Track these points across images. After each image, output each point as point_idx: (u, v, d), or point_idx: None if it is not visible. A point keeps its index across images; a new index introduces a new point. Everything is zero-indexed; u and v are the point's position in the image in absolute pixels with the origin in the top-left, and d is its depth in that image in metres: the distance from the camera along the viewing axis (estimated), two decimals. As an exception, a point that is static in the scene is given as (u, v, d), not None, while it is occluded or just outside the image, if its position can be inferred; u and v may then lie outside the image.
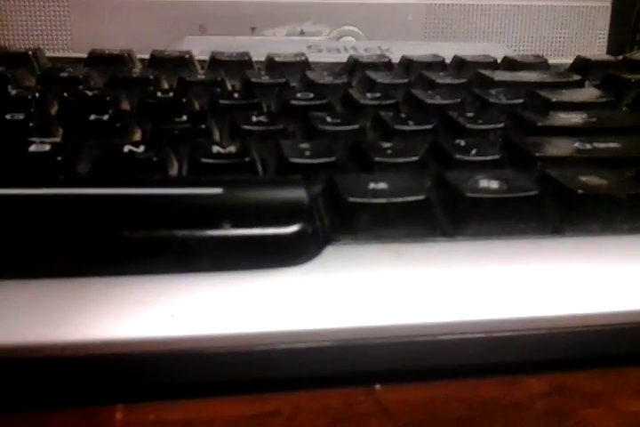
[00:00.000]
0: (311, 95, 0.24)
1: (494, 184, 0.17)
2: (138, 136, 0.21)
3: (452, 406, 0.14)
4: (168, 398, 0.13)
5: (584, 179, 0.18)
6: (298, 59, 0.30)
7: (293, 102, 0.24)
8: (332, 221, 0.16)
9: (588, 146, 0.21)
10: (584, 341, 0.15)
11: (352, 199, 0.16)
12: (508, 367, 0.15)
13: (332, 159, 0.19)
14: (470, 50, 0.34)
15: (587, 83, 0.30)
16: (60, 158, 0.17)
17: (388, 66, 0.30)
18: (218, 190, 0.15)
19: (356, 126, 0.22)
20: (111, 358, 0.13)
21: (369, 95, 0.25)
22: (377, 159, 0.19)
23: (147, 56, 0.29)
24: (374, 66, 0.30)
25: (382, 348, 0.14)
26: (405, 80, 0.28)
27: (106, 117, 0.20)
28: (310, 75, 0.27)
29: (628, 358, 0.15)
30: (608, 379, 0.15)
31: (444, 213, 0.17)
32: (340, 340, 0.14)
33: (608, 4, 0.47)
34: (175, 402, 0.13)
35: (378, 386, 0.14)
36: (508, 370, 0.15)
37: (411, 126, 0.22)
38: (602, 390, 0.15)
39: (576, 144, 0.21)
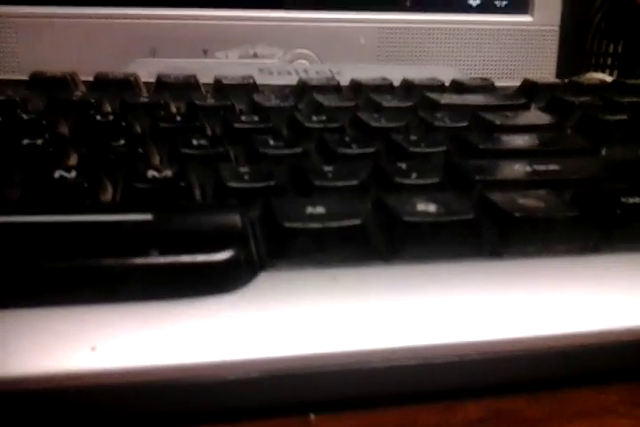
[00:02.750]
0: (256, 118, 0.24)
1: (432, 208, 0.17)
2: (74, 161, 0.20)
3: (388, 436, 0.14)
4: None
5: (521, 201, 0.18)
6: (245, 81, 0.30)
7: (237, 125, 0.23)
8: (268, 246, 0.16)
9: (528, 168, 0.21)
10: (520, 365, 0.15)
11: (288, 224, 0.16)
12: (444, 393, 0.15)
13: (272, 183, 0.18)
14: (421, 73, 0.34)
15: (532, 105, 0.30)
16: (-13, 184, 0.17)
17: (336, 89, 0.31)
18: (147, 217, 0.15)
19: (299, 150, 0.22)
20: (28, 393, 0.12)
21: (315, 118, 0.25)
22: (317, 183, 0.19)
23: (91, 78, 0.29)
24: (323, 89, 0.30)
25: (316, 377, 0.14)
26: (352, 103, 0.28)
27: (40, 142, 0.20)
28: (257, 97, 0.27)
29: (563, 380, 0.15)
30: (543, 403, 0.15)
31: (382, 237, 0.17)
32: (271, 370, 0.14)
33: (556, 28, 0.48)
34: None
35: (312, 416, 0.14)
36: (444, 396, 0.15)
37: (354, 150, 0.22)
38: (537, 415, 0.15)
39: (516, 167, 0.21)
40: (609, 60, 0.62)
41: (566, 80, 0.35)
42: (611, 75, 0.58)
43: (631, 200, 0.19)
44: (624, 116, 0.26)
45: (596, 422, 0.15)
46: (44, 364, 0.12)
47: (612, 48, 0.61)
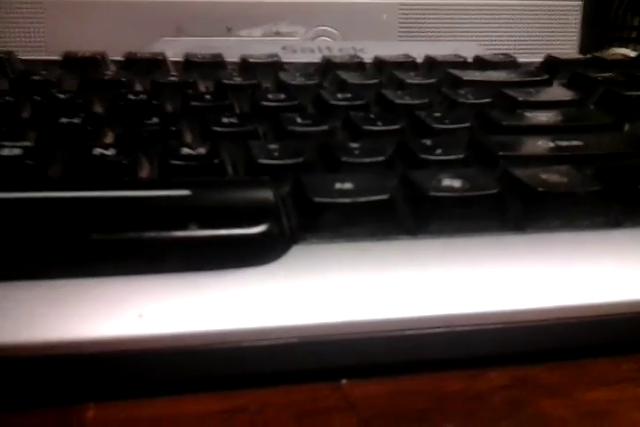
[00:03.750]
0: (282, 96, 0.25)
1: (457, 183, 0.17)
2: (110, 139, 0.21)
3: (415, 400, 0.15)
4: (138, 396, 0.14)
5: (544, 177, 0.18)
6: (271, 60, 0.30)
7: (264, 103, 0.24)
8: (299, 221, 0.17)
9: (551, 144, 0.21)
10: (543, 334, 0.16)
11: (318, 199, 0.16)
12: (469, 361, 0.15)
13: (300, 160, 0.19)
14: (443, 49, 0.34)
15: (555, 82, 0.30)
16: (30, 162, 0.18)
17: (360, 66, 0.31)
18: (185, 192, 0.16)
19: (325, 127, 0.22)
20: (81, 357, 0.13)
21: (339, 96, 0.25)
22: (344, 159, 0.19)
23: (121, 58, 0.29)
24: (346, 66, 0.30)
25: (348, 344, 0.15)
26: (376, 80, 0.28)
27: (78, 121, 0.20)
28: (282, 76, 0.28)
29: (584, 350, 0.16)
30: (565, 371, 0.15)
31: (408, 212, 0.17)
32: (306, 336, 0.14)
33: (579, 3, 0.48)
34: (145, 400, 0.14)
35: (344, 381, 0.15)
36: (469, 364, 0.15)
37: (379, 127, 0.22)
38: (559, 382, 0.15)
39: (539, 143, 0.21)
40: (633, 34, 0.61)
41: (589, 56, 0.35)
42: (635, 49, 0.57)
43: (653, 175, 0.19)
44: (647, 92, 0.27)
45: (616, 390, 0.15)
46: (95, 329, 0.13)
47: (637, 21, 0.60)
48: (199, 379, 0.14)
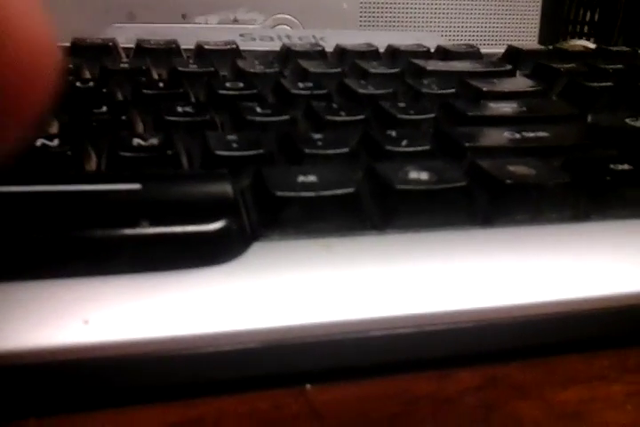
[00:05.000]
0: (241, 85, 0.24)
1: (424, 175, 0.17)
2: (55, 129, 0.20)
3: (384, 404, 0.14)
4: (84, 409, 0.13)
5: (512, 169, 0.18)
6: (228, 47, 0.29)
7: (222, 92, 0.23)
8: (260, 216, 0.16)
9: (518, 135, 0.21)
10: (513, 332, 0.15)
11: (279, 193, 0.16)
12: (439, 361, 0.15)
13: (261, 151, 0.18)
14: (405, 39, 0.34)
15: (518, 72, 0.30)
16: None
17: (321, 55, 0.30)
18: (136, 186, 0.15)
19: (286, 117, 0.21)
20: (20, 368, 0.12)
21: (301, 85, 0.24)
22: (307, 151, 0.18)
23: (69, 44, 0.28)
24: (307, 55, 0.29)
25: (311, 347, 0.14)
26: (338, 70, 0.27)
27: (18, 109, 0.19)
28: (241, 63, 0.27)
29: (554, 347, 0.15)
30: (537, 369, 0.15)
31: (374, 206, 0.16)
32: (267, 341, 0.13)
33: (539, -5, 0.48)
34: (92, 413, 0.13)
35: (308, 386, 0.14)
36: (439, 364, 0.15)
37: (342, 117, 0.22)
38: (531, 382, 0.15)
39: (505, 134, 0.21)
40: (585, 28, 0.62)
41: (550, 47, 0.34)
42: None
43: (620, 167, 0.19)
44: (609, 83, 0.26)
45: (588, 387, 0.15)
46: (37, 338, 0.12)
47: (588, 16, 0.61)
48: (152, 388, 0.13)
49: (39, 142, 0.17)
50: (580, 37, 0.60)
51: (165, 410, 0.13)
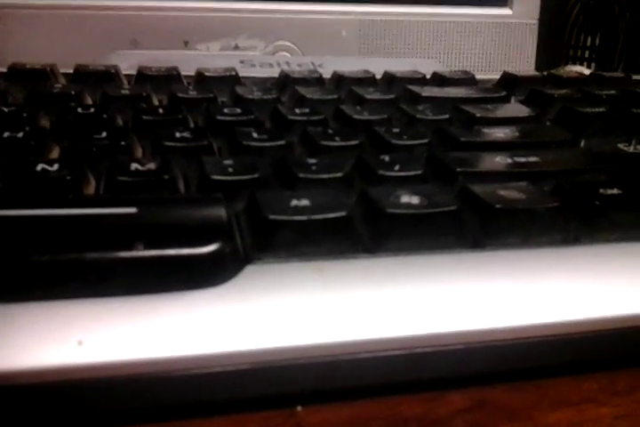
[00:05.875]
0: (239, 111, 0.24)
1: (415, 200, 0.17)
2: (55, 154, 0.20)
3: (374, 426, 0.14)
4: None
5: (502, 193, 0.18)
6: (228, 73, 0.30)
7: (219, 118, 0.23)
8: (254, 239, 0.16)
9: (509, 160, 0.21)
10: (503, 354, 0.15)
11: (273, 217, 0.16)
12: (429, 384, 0.15)
13: (256, 176, 0.18)
14: (402, 65, 0.34)
15: (512, 98, 0.31)
16: (-33, 178, 0.17)
17: (319, 81, 0.31)
18: (131, 210, 0.15)
19: (282, 142, 0.22)
20: (14, 389, 0.12)
21: (297, 111, 0.25)
22: (301, 175, 0.19)
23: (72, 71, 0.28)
24: (305, 81, 0.30)
25: (302, 369, 0.14)
26: (335, 96, 0.28)
27: (20, 135, 0.19)
28: (239, 90, 0.27)
29: (544, 369, 0.15)
30: (526, 392, 0.15)
31: (366, 230, 0.17)
32: (259, 362, 0.14)
33: (535, 22, 0.49)
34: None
35: (299, 408, 0.14)
36: (429, 386, 0.15)
37: (337, 142, 0.22)
38: (520, 404, 0.15)
39: (497, 159, 0.21)
40: (586, 53, 0.62)
41: (545, 73, 0.35)
42: (588, 67, 0.59)
43: (609, 191, 0.19)
44: (602, 109, 0.27)
45: (577, 410, 0.15)
46: (32, 359, 0.12)
47: (589, 41, 0.62)
48: (142, 410, 0.13)
49: (39, 167, 0.17)
50: (582, 62, 0.60)
51: (156, 431, 0.13)
